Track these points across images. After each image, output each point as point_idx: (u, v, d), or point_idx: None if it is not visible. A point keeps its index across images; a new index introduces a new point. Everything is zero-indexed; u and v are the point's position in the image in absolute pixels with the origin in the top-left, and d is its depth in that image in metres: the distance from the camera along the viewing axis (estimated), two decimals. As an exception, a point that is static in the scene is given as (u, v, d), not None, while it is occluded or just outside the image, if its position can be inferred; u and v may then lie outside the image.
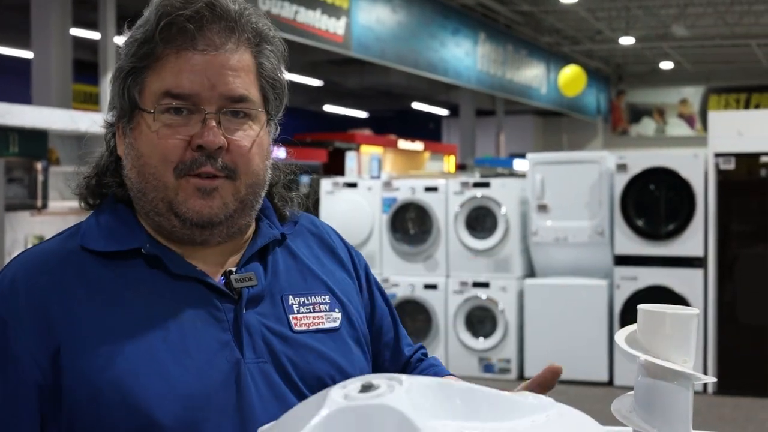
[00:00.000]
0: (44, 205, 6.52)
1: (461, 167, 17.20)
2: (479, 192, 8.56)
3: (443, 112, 23.91)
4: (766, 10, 16.22)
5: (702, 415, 6.89)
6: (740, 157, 7.83)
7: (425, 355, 1.69)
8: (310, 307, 1.43)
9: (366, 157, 14.16)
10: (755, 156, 7.79)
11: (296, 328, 1.40)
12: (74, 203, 6.40)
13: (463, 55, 14.50)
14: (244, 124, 1.37)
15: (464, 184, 8.63)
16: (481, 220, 8.64)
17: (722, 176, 7.85)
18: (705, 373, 7.49)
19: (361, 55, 11.55)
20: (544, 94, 18.63)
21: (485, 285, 8.47)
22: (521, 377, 8.51)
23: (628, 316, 7.88)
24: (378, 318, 1.60)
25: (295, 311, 1.41)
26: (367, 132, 17.46)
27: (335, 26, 10.70)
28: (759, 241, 7.86)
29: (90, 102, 14.04)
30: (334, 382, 1.38)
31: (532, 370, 8.46)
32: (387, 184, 8.90)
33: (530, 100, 18.25)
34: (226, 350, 1.32)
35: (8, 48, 13.96)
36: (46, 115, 6.64)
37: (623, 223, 8.09)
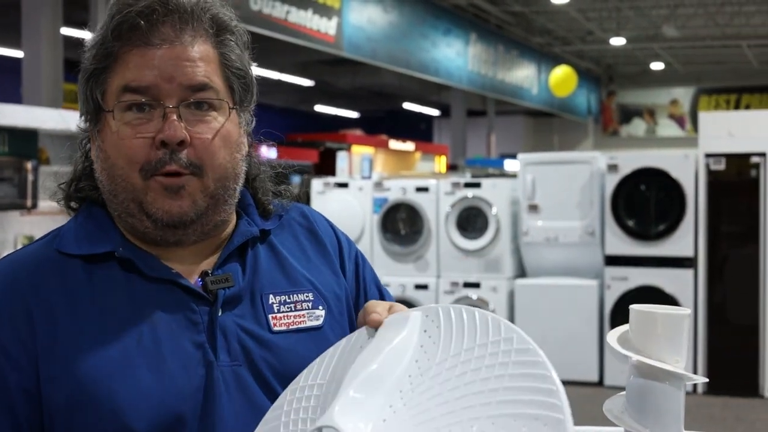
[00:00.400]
0: (34, 205, 6.50)
1: (452, 167, 17.22)
2: (470, 192, 8.56)
3: (434, 112, 23.92)
4: (756, 11, 16.28)
5: (692, 415, 6.90)
6: (730, 158, 7.85)
7: None
8: (291, 305, 1.41)
9: (357, 158, 14.17)
10: (745, 156, 7.81)
11: (275, 328, 1.38)
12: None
13: (455, 56, 14.51)
14: (206, 116, 1.34)
15: (455, 185, 8.63)
16: (472, 221, 8.64)
17: (712, 177, 7.87)
18: (695, 373, 7.51)
19: (353, 55, 11.55)
20: (535, 95, 18.65)
21: (476, 285, 8.48)
22: (512, 377, 8.50)
23: (619, 316, 7.89)
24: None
25: (275, 310, 1.39)
26: (358, 132, 17.47)
27: (327, 26, 10.69)
28: (749, 242, 7.88)
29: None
30: None
31: (523, 370, 8.46)
32: (378, 185, 8.89)
33: (521, 101, 18.27)
34: (199, 353, 1.31)
35: (-2, 47, 13.93)
36: (37, 114, 6.61)
37: (614, 223, 8.10)
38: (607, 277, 8.15)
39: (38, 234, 6.57)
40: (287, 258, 1.47)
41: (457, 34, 14.57)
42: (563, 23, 18.02)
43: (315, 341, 1.41)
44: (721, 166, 7.85)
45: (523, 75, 18.00)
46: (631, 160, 8.15)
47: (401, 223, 8.89)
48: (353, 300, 1.54)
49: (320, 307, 1.44)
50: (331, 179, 9.29)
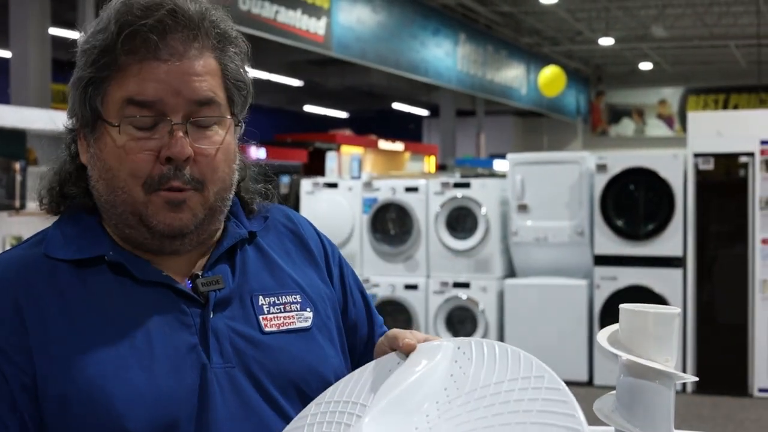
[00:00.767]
0: (22, 206, 6.47)
1: (441, 167, 17.21)
2: (459, 192, 8.56)
3: (423, 112, 23.92)
4: (744, 11, 16.33)
5: (681, 414, 6.91)
6: (719, 158, 7.87)
7: None
8: (281, 307, 1.41)
9: (346, 158, 14.14)
10: (734, 156, 7.84)
11: (266, 329, 1.38)
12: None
13: (444, 56, 14.51)
14: (209, 131, 1.35)
15: (444, 185, 8.63)
16: (461, 221, 8.65)
17: (701, 176, 7.88)
18: (684, 372, 7.52)
19: (342, 55, 11.55)
20: (524, 95, 18.67)
21: (466, 285, 8.48)
22: (501, 377, 8.51)
23: (608, 316, 7.90)
24: (352, 312, 1.57)
25: (266, 312, 1.39)
26: (347, 132, 17.45)
27: (316, 26, 10.68)
28: (738, 241, 7.90)
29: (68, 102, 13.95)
30: (306, 383, 1.38)
31: (513, 370, 8.47)
32: (367, 185, 8.89)
33: (510, 101, 18.28)
34: (192, 355, 1.31)
35: (-14, 47, 13.87)
36: (25, 114, 6.59)
37: (603, 223, 8.11)
38: (597, 277, 8.16)
39: (27, 234, 6.53)
40: (275, 259, 1.47)
41: (446, 34, 14.57)
42: (552, 23, 18.05)
43: (305, 342, 1.41)
44: (709, 165, 7.87)
45: (512, 75, 18.01)
46: (620, 160, 8.17)
47: (391, 223, 8.88)
48: (340, 305, 1.54)
49: (308, 309, 1.44)
50: (320, 179, 9.29)
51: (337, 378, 1.41)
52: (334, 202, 8.90)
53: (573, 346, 8.23)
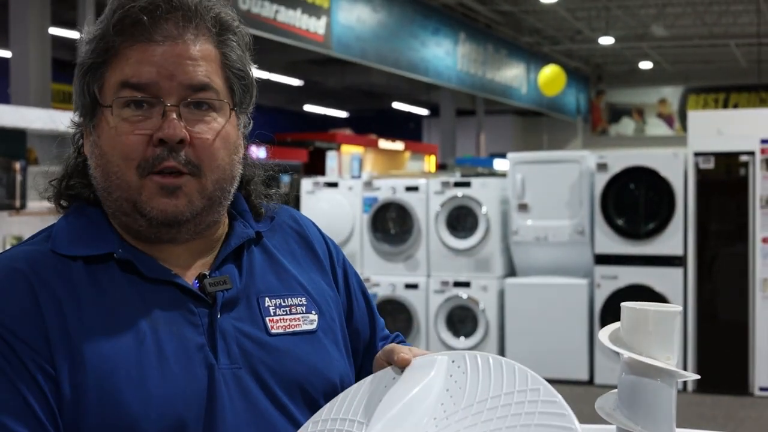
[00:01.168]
0: (23, 205, 6.47)
1: (442, 167, 17.20)
2: (460, 192, 8.56)
3: (424, 111, 23.92)
4: (744, 10, 16.32)
5: (682, 413, 6.91)
6: (719, 157, 7.87)
7: (402, 342, 1.66)
8: (287, 309, 1.40)
9: (347, 157, 14.14)
10: (734, 155, 7.83)
11: (273, 331, 1.37)
12: (53, 204, 6.25)
13: (444, 55, 14.51)
14: (206, 116, 1.33)
15: (445, 184, 8.63)
16: (461, 220, 8.64)
17: (701, 175, 7.88)
18: (684, 371, 7.52)
19: (342, 54, 11.55)
20: (524, 94, 18.67)
21: (466, 284, 8.48)
22: (502, 376, 8.50)
23: (609, 315, 7.91)
24: (356, 316, 1.56)
25: (272, 313, 1.38)
26: (347, 132, 17.44)
27: (316, 26, 10.68)
28: (738, 240, 7.90)
29: (69, 101, 13.97)
30: (312, 386, 1.37)
31: (513, 369, 8.46)
32: (368, 184, 8.89)
33: (510, 100, 18.28)
34: (200, 355, 1.30)
35: (-14, 47, 13.87)
36: (25, 114, 6.59)
37: (603, 222, 8.11)
38: (597, 276, 8.16)
39: (27, 234, 6.54)
40: (280, 261, 1.46)
41: (446, 33, 14.57)
42: (552, 22, 18.05)
43: (311, 344, 1.40)
44: (710, 164, 7.87)
45: (512, 74, 18.01)
46: (621, 159, 8.16)
47: (391, 223, 8.88)
48: (344, 309, 1.53)
49: (313, 312, 1.43)
50: (320, 179, 9.28)
51: (343, 381, 1.41)
52: (335, 202, 8.89)
53: (573, 345, 8.23)
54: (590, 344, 8.21)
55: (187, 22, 1.32)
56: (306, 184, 9.14)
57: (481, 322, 8.47)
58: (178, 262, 1.37)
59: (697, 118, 8.59)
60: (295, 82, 18.30)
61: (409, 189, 8.73)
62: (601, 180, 8.11)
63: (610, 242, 8.09)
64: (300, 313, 1.41)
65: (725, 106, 22.21)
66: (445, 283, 8.54)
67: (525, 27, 18.13)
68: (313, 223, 1.62)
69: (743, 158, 7.80)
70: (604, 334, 1.22)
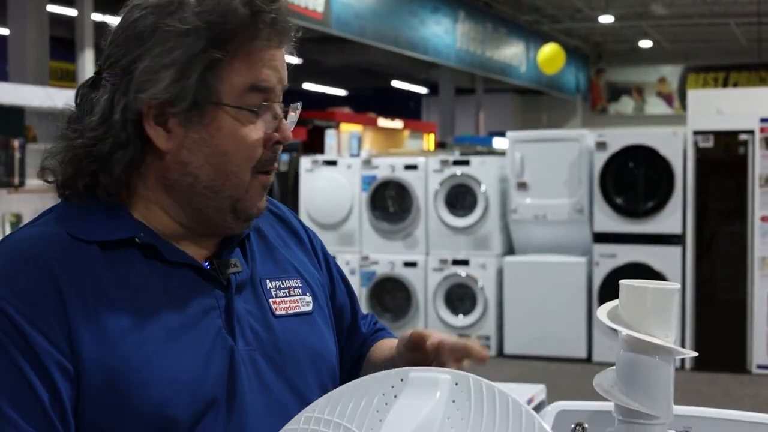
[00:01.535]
0: (21, 183, 6.47)
1: (441, 145, 17.18)
2: (459, 170, 8.56)
3: (423, 90, 23.87)
4: (744, -12, 16.26)
5: (679, 390, 6.94)
6: (719, 135, 7.87)
7: (375, 323, 1.68)
8: (286, 291, 1.42)
9: (345, 135, 14.11)
10: (734, 134, 7.83)
11: (277, 313, 1.39)
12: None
13: (443, 33, 14.46)
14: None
15: (444, 162, 8.63)
16: (460, 198, 8.65)
17: (701, 154, 7.88)
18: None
19: (341, 32, 11.50)
20: (523, 73, 18.61)
21: (465, 263, 8.49)
22: (501, 354, 8.55)
23: (607, 293, 7.92)
24: (338, 299, 1.59)
25: (274, 295, 1.40)
26: (346, 110, 17.41)
27: (315, 3, 10.64)
28: (737, 219, 7.91)
29: (67, 79, 13.94)
30: (316, 366, 1.40)
31: (512, 347, 8.50)
32: (366, 162, 8.88)
33: (510, 79, 18.23)
34: (220, 338, 1.31)
35: (-16, 25, 13.82)
36: (23, 92, 6.58)
37: (602, 200, 8.11)
38: (596, 254, 8.17)
39: (26, 212, 6.55)
40: (273, 245, 1.48)
41: (445, 11, 14.51)
42: (552, 1, 17.98)
43: (309, 325, 1.43)
44: (709, 143, 7.87)
45: (512, 53, 17.95)
46: (620, 138, 8.17)
47: (390, 201, 8.89)
48: (328, 291, 1.55)
49: (308, 294, 1.45)
50: (319, 157, 9.28)
51: (336, 362, 1.45)
52: (334, 180, 8.90)
53: (572, 323, 8.26)
54: (588, 322, 8.23)
55: (290, 27, 1.37)
56: (305, 162, 9.14)
57: (480, 300, 8.48)
58: (187, 247, 1.37)
59: (696, 96, 8.58)
60: (294, 60, 18.20)
61: (408, 167, 8.73)
62: (600, 158, 8.11)
63: (608, 221, 8.10)
64: (297, 295, 1.43)
65: (725, 85, 22.16)
66: (443, 261, 8.55)
67: (524, 5, 18.06)
68: (290, 210, 1.63)
69: (742, 137, 7.80)
70: (602, 312, 1.23)
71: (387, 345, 1.58)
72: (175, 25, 1.27)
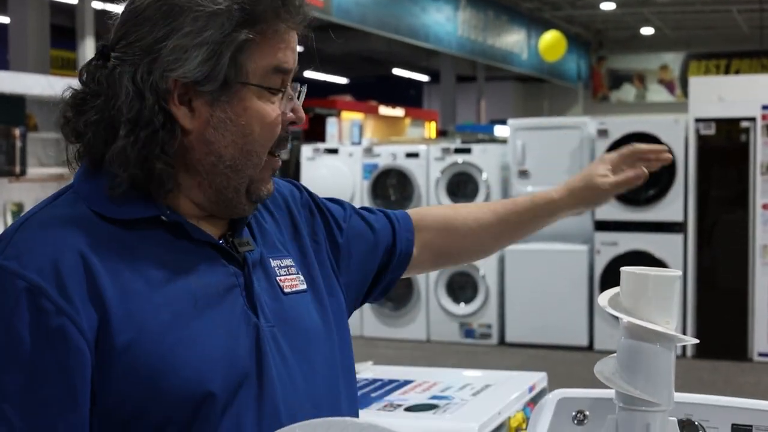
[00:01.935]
0: (22, 172, 6.47)
1: (442, 133, 17.18)
2: (460, 158, 8.55)
3: (424, 78, 23.84)
4: (746, -25, 16.22)
5: (680, 378, 6.94)
6: (720, 123, 7.86)
7: (387, 215, 1.74)
8: (286, 269, 1.44)
9: (347, 123, 14.12)
10: (735, 121, 7.82)
11: (286, 290, 1.41)
12: (53, 170, 6.28)
13: (444, 21, 14.44)
14: None
15: (445, 150, 8.62)
16: (462, 186, 8.65)
17: (702, 142, 7.87)
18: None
19: (342, 20, 11.48)
20: (525, 60, 18.59)
21: (466, 251, 8.49)
22: (502, 342, 8.55)
23: (608, 281, 7.92)
24: (378, 234, 1.66)
25: (279, 273, 1.42)
26: (347, 98, 17.40)
27: (315, -9, 10.61)
28: (738, 206, 7.90)
29: (68, 67, 13.92)
30: (319, 340, 1.43)
31: (513, 335, 8.50)
32: (368, 150, 8.88)
33: (511, 66, 18.20)
34: (244, 315, 1.33)
35: (-16, 13, 13.79)
36: (24, 80, 6.58)
37: (604, 188, 8.10)
38: (597, 242, 8.17)
39: (27, 201, 6.55)
40: (268, 225, 1.50)
41: (446, -1, 14.48)
42: (553, -12, 17.94)
43: (309, 303, 1.45)
44: (710, 131, 7.86)
45: (513, 40, 17.92)
46: (621, 126, 8.15)
47: (391, 189, 8.88)
48: (328, 238, 1.58)
49: (301, 273, 1.47)
50: (320, 145, 9.28)
51: (338, 330, 1.49)
52: (335, 168, 8.89)
53: (573, 311, 8.26)
54: (590, 310, 8.24)
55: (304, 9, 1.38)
56: (306, 150, 9.13)
57: (481, 288, 8.49)
58: (204, 228, 1.37)
59: (698, 84, 8.57)
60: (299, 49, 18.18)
61: (409, 155, 8.73)
62: (602, 146, 8.10)
63: (610, 208, 8.10)
64: (295, 273, 1.45)
65: (727, 72, 22.12)
66: (445, 250, 8.55)
67: (526, -8, 18.03)
68: (282, 180, 1.62)
69: (744, 124, 7.78)
70: (603, 299, 1.23)
71: (477, 207, 1.74)
72: (206, 4, 1.27)
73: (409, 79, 24.28)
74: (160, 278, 1.28)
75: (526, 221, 1.74)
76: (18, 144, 6.36)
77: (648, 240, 8.00)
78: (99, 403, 1.22)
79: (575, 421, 1.43)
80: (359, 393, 2.24)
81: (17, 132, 6.37)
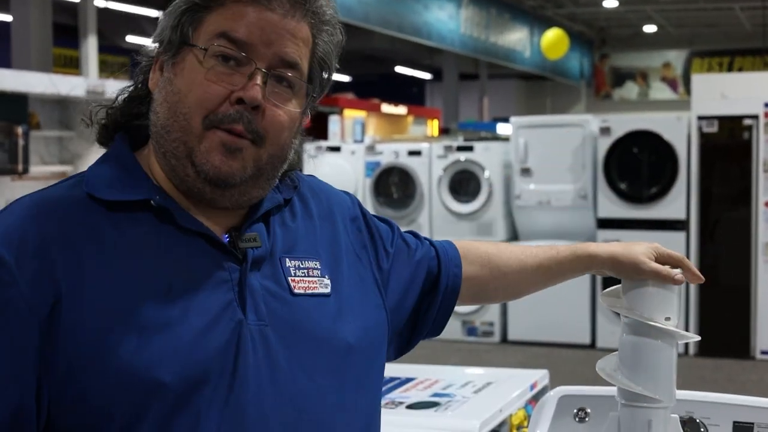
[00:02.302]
0: (25, 170, 6.47)
1: (445, 131, 17.17)
2: (463, 156, 8.55)
3: (426, 76, 23.84)
4: (749, -27, 16.19)
5: (683, 376, 6.94)
6: (723, 120, 7.85)
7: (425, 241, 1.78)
8: (305, 271, 1.42)
9: (349, 121, 14.11)
10: (738, 119, 7.81)
11: (296, 291, 1.39)
12: (55, 168, 6.31)
13: (447, 19, 14.43)
14: (285, 93, 1.36)
15: (448, 148, 8.62)
16: (464, 184, 8.64)
17: (705, 139, 7.87)
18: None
19: (345, 18, 11.45)
20: (527, 58, 18.57)
21: (469, 249, 8.49)
22: (504, 340, 8.55)
23: (611, 279, 7.90)
24: (424, 263, 1.67)
25: (293, 274, 1.40)
26: (350, 96, 17.39)
27: (318, -11, 10.61)
28: (741, 204, 7.90)
29: (70, 66, 13.92)
30: (330, 346, 1.40)
31: (515, 333, 8.50)
32: (370, 148, 8.88)
33: (514, 64, 18.19)
34: (229, 310, 1.31)
35: (-13, 11, 13.80)
36: (26, 78, 6.58)
37: (606, 186, 8.10)
38: (600, 240, 8.16)
39: (30, 199, 6.56)
40: (299, 225, 1.48)
41: (449, -4, 14.47)
42: (556, -14, 17.92)
43: (326, 307, 1.42)
44: (713, 128, 7.85)
45: (516, 38, 17.91)
46: (624, 123, 8.15)
47: (394, 187, 8.88)
48: (374, 258, 1.57)
49: (326, 276, 1.45)
50: (323, 143, 9.28)
51: (359, 342, 1.44)
52: (337, 166, 8.89)
53: (575, 309, 8.26)
54: (592, 308, 8.23)
55: (300, 3, 1.36)
56: (308, 148, 9.12)
57: (484, 286, 8.48)
58: (209, 220, 1.37)
59: (700, 81, 8.57)
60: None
61: (411, 153, 8.72)
62: (605, 144, 8.10)
63: (612, 206, 8.10)
64: (316, 276, 1.43)
65: (729, 69, 22.10)
66: (447, 248, 8.55)
67: (528, -10, 18.01)
68: (331, 187, 1.65)
69: (747, 122, 7.78)
70: (605, 296, 1.23)
71: (514, 252, 1.70)
72: None
73: (412, 77, 24.27)
74: (134, 263, 1.28)
75: (565, 272, 1.69)
76: (21, 142, 6.36)
77: (650, 237, 7.94)
78: (51, 381, 1.23)
79: (577, 419, 1.43)
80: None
81: (20, 130, 6.37)
